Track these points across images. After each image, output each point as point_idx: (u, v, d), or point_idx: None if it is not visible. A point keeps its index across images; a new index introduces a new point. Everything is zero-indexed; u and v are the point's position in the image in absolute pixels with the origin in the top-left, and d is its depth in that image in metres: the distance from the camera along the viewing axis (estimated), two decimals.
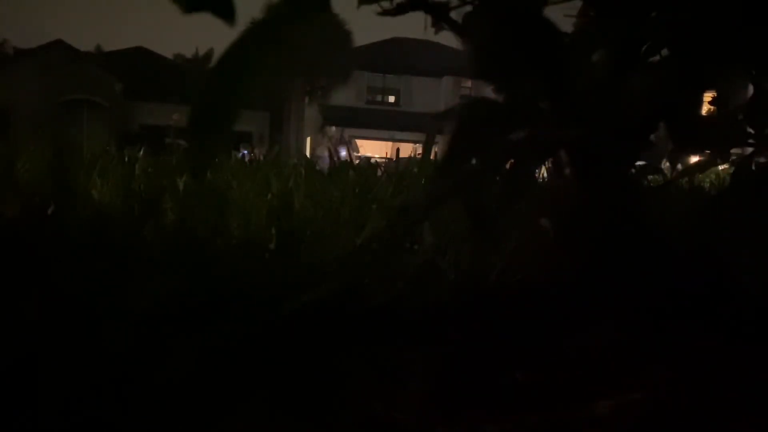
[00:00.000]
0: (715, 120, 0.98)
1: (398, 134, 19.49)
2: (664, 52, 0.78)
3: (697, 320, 0.78)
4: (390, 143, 17.58)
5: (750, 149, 0.92)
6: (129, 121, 17.35)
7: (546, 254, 0.90)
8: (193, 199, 1.03)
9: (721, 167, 1.59)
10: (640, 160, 0.91)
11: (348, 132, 14.46)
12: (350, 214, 1.16)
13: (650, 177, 1.20)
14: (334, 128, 16.92)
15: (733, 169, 0.96)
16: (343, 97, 19.25)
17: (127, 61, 19.30)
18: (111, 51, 21.91)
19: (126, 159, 2.11)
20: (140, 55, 21.01)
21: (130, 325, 0.64)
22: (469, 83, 20.07)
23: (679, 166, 1.07)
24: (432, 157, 1.69)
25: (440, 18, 0.97)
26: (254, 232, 1.01)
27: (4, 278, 0.68)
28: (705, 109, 0.95)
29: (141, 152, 2.32)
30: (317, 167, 2.37)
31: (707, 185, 2.30)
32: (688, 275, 0.80)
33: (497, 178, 0.74)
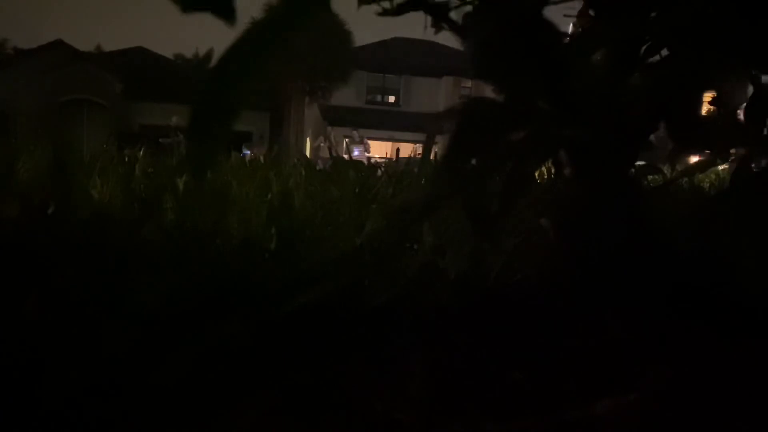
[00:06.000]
0: (715, 120, 0.98)
1: (398, 134, 19.50)
2: (664, 52, 0.78)
3: (697, 320, 0.78)
4: (390, 143, 17.59)
5: (750, 149, 0.92)
6: (129, 121, 17.32)
7: (546, 254, 0.90)
8: (193, 199, 1.03)
9: (721, 167, 1.59)
10: (640, 160, 0.91)
11: (360, 132, 14.50)
12: (350, 214, 1.16)
13: (650, 177, 1.20)
14: (330, 128, 16.94)
15: (733, 169, 0.96)
16: (343, 97, 19.25)
17: (127, 61, 19.28)
18: (111, 51, 21.90)
19: (126, 159, 2.11)
20: (140, 55, 21.00)
21: (130, 325, 0.64)
22: (469, 83, 20.09)
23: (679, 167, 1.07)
24: (432, 157, 1.69)
25: (440, 18, 0.97)
26: (254, 232, 1.01)
27: (4, 278, 0.68)
28: (705, 109, 0.95)
29: (141, 152, 2.33)
30: (318, 167, 2.37)
31: (707, 185, 2.30)
32: (688, 275, 0.80)
33: (497, 178, 0.74)
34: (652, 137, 0.82)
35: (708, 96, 0.96)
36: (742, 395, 0.68)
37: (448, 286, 0.91)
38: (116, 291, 0.69)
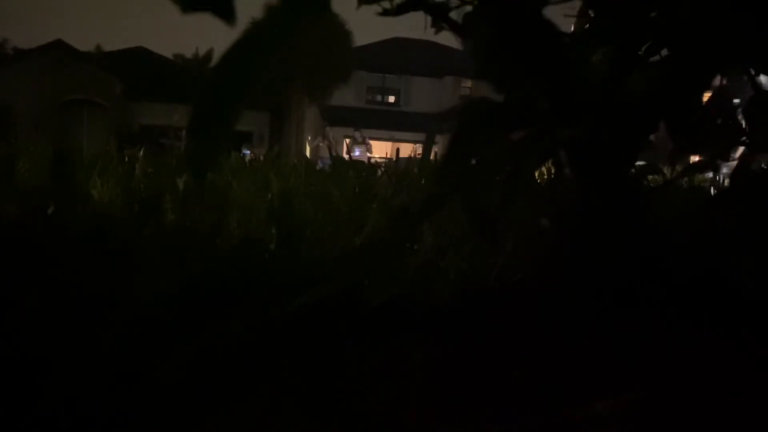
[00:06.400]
0: (715, 120, 0.98)
1: (398, 134, 19.50)
2: (664, 52, 0.78)
3: (697, 320, 0.78)
4: (390, 143, 17.58)
5: (750, 149, 0.92)
6: (129, 121, 17.33)
7: (546, 254, 0.90)
8: (193, 199, 1.03)
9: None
10: (640, 160, 0.91)
11: (362, 132, 14.56)
12: (350, 214, 1.16)
13: (650, 177, 1.20)
14: (329, 128, 16.97)
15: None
16: (343, 97, 19.24)
17: (127, 61, 19.27)
18: (111, 51, 21.85)
19: (126, 159, 2.11)
20: (140, 55, 20.99)
21: (130, 324, 0.64)
22: (469, 83, 20.10)
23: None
24: (432, 157, 1.69)
25: (440, 18, 0.97)
26: (254, 231, 1.01)
27: (5, 278, 0.68)
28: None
29: (141, 152, 2.32)
30: (318, 167, 2.38)
31: (707, 185, 2.30)
32: (688, 275, 0.80)
33: (497, 178, 0.74)
34: (652, 137, 0.82)
35: (708, 96, 0.96)
36: (742, 394, 0.68)
37: (448, 286, 0.91)
38: (116, 290, 0.69)
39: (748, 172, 0.91)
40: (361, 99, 22.57)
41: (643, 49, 0.78)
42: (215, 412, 0.60)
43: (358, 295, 0.80)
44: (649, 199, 0.93)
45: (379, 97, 23.39)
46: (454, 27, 0.94)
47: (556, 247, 0.87)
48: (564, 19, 0.94)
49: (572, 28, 0.94)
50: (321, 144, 13.46)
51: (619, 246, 0.79)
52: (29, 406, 0.56)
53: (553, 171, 0.88)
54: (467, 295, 0.90)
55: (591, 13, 0.88)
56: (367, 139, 14.65)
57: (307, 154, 13.36)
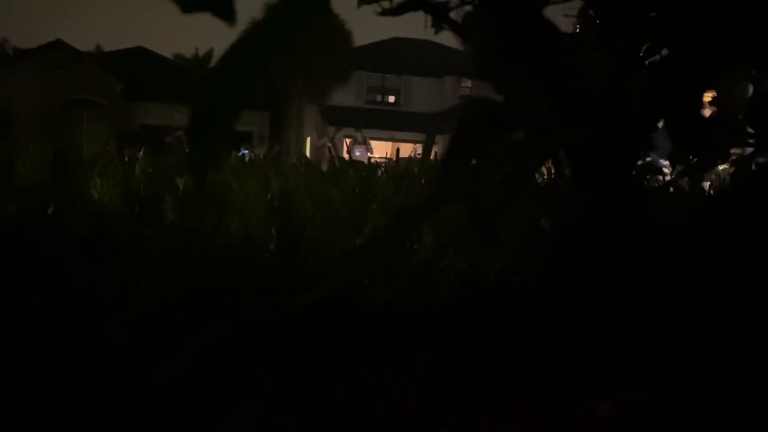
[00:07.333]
0: (715, 120, 0.98)
1: (398, 134, 19.49)
2: (664, 52, 0.78)
3: (696, 320, 0.78)
4: (390, 143, 17.59)
5: (750, 149, 0.92)
6: (129, 121, 17.35)
7: (546, 254, 0.90)
8: (192, 199, 1.03)
9: (721, 167, 1.59)
10: (640, 160, 0.91)
11: (363, 133, 14.60)
12: (350, 214, 1.16)
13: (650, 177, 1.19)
14: (334, 129, 17.00)
15: (733, 169, 0.96)
16: (343, 97, 19.22)
17: (127, 61, 19.26)
18: (111, 51, 21.84)
19: (126, 159, 2.11)
20: (140, 55, 20.99)
21: (129, 324, 0.64)
22: (469, 83, 20.09)
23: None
24: (432, 157, 1.69)
25: (440, 18, 0.97)
26: (254, 232, 1.01)
27: (5, 277, 0.68)
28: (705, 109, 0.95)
29: (141, 152, 2.32)
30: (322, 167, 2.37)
31: (707, 185, 2.30)
32: (687, 275, 0.80)
33: (497, 178, 0.74)
34: (651, 137, 0.82)
35: (708, 96, 0.96)
36: (740, 395, 0.67)
37: (448, 286, 0.91)
38: (115, 289, 0.69)
39: (749, 172, 0.91)
40: (361, 99, 22.55)
41: (643, 49, 0.78)
42: (215, 412, 0.60)
43: (359, 295, 0.80)
44: (649, 199, 0.92)
45: (379, 97, 23.37)
46: (454, 27, 0.94)
47: (556, 247, 0.86)
48: (564, 19, 0.94)
49: (576, 28, 0.94)
50: (328, 144, 13.46)
51: (618, 246, 0.79)
52: (29, 404, 0.56)
53: (553, 171, 0.88)
54: (467, 295, 0.90)
55: (591, 13, 0.88)
56: (368, 139, 14.66)
57: (308, 153, 13.36)
